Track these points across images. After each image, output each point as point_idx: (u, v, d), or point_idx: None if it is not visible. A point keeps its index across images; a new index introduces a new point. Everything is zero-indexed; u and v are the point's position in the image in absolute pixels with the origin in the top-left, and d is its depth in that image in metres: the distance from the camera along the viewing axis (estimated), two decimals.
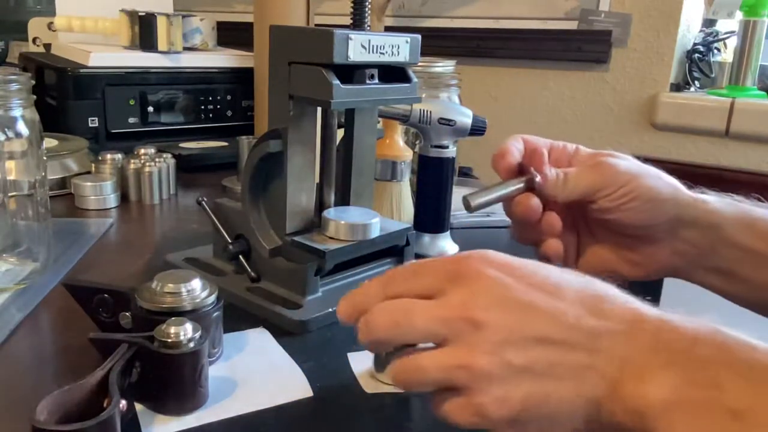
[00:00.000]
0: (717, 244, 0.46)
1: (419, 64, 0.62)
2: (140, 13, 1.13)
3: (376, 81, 0.54)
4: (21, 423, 0.34)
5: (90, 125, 1.04)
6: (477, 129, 0.70)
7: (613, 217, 0.45)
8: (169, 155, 0.94)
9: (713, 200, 0.46)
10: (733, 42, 1.39)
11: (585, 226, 0.50)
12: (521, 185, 0.46)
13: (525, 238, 0.48)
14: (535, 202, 0.45)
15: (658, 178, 0.45)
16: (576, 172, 0.45)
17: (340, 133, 0.61)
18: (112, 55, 1.08)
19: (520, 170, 0.47)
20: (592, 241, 0.49)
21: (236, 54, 1.24)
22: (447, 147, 0.69)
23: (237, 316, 0.53)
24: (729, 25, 1.45)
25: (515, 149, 0.47)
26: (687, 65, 1.43)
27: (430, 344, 0.33)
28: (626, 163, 0.45)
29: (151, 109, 1.10)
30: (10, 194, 0.58)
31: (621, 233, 0.46)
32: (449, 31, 1.59)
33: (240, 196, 0.58)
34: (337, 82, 0.50)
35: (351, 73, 0.53)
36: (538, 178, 0.45)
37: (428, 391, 0.33)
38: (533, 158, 0.46)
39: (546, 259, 0.47)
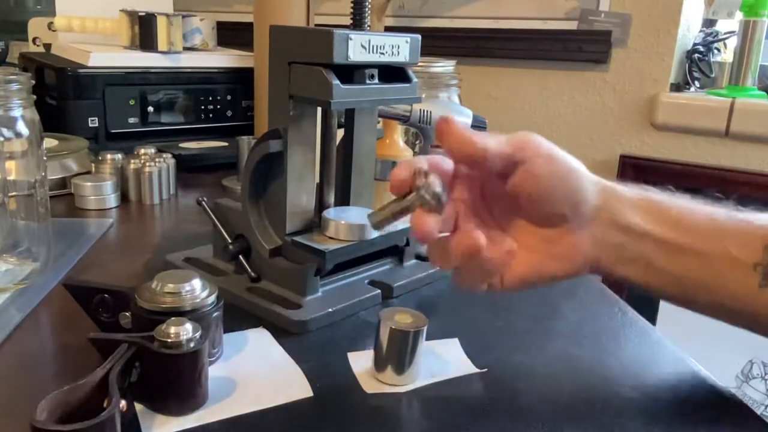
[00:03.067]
0: (630, 233, 0.45)
1: (419, 64, 0.62)
2: (140, 13, 1.13)
3: (376, 81, 0.54)
4: (21, 423, 0.34)
5: (90, 125, 1.04)
6: (477, 129, 0.70)
7: (535, 191, 0.43)
8: (169, 155, 0.94)
9: (620, 187, 0.46)
10: (733, 42, 1.39)
11: (503, 233, 0.46)
12: (414, 196, 0.41)
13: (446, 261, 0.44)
14: (429, 218, 0.41)
15: (571, 157, 0.44)
16: (497, 138, 0.43)
17: (340, 133, 0.61)
18: (112, 55, 1.09)
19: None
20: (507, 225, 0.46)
21: (236, 54, 1.24)
22: None
23: (237, 316, 0.54)
24: (729, 25, 1.45)
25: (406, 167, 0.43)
26: (687, 65, 1.43)
27: None
28: (539, 137, 0.44)
29: (151, 109, 1.10)
30: (10, 194, 0.58)
31: (541, 224, 0.44)
32: (449, 31, 1.59)
33: (240, 196, 0.59)
34: (337, 82, 0.50)
35: (351, 73, 0.53)
36: (422, 192, 0.40)
37: None
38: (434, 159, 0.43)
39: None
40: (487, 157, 0.42)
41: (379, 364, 0.46)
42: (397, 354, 0.45)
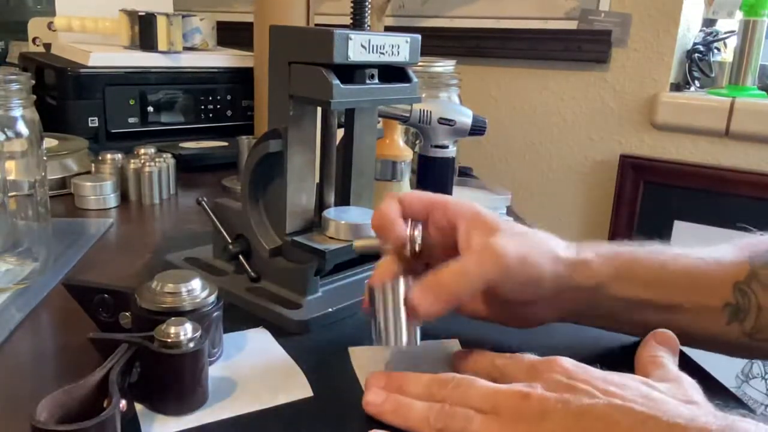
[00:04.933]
0: (600, 300, 0.47)
1: (419, 63, 0.62)
2: (140, 13, 1.13)
3: (376, 81, 0.54)
4: (21, 423, 0.34)
5: (90, 125, 1.04)
6: (477, 129, 0.70)
7: (501, 299, 0.46)
8: (169, 155, 0.94)
9: (594, 260, 0.47)
10: (733, 42, 1.39)
11: None
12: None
13: None
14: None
15: (545, 255, 0.46)
16: (472, 268, 0.43)
17: (340, 133, 0.61)
18: (112, 55, 1.09)
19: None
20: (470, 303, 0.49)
21: (236, 54, 1.24)
22: (447, 147, 0.69)
23: (237, 316, 0.53)
24: (729, 24, 1.45)
25: (395, 214, 0.47)
26: (687, 65, 1.43)
27: None
28: (513, 244, 0.44)
29: (151, 109, 1.10)
30: (10, 194, 0.58)
31: (501, 302, 0.48)
32: (449, 31, 1.59)
33: (240, 196, 0.58)
34: (337, 82, 0.50)
35: (351, 73, 0.53)
36: (417, 246, 0.46)
37: None
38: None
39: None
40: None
41: (378, 335, 0.45)
42: (383, 314, 0.44)
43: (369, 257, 0.61)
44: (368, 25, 0.57)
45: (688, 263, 0.48)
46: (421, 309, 0.42)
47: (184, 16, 1.18)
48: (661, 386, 0.39)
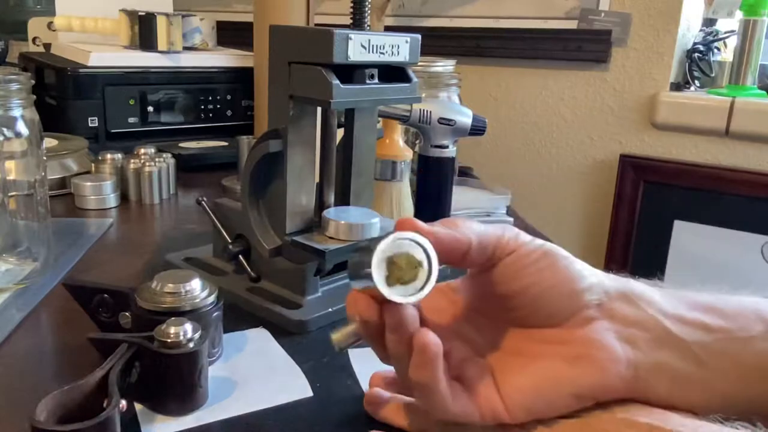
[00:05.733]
0: (657, 315, 0.36)
1: (419, 63, 0.62)
2: (140, 13, 1.13)
3: (376, 81, 0.54)
4: (21, 423, 0.34)
5: (90, 125, 1.04)
6: (477, 129, 0.70)
7: (524, 284, 0.35)
8: (169, 155, 0.94)
9: (625, 279, 0.38)
10: (733, 41, 1.39)
11: (502, 356, 0.38)
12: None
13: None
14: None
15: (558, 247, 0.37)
16: (476, 228, 0.36)
17: (340, 133, 0.61)
18: (112, 55, 1.09)
19: None
20: (512, 362, 0.37)
21: (236, 54, 1.24)
22: (447, 147, 0.69)
23: (237, 316, 0.54)
24: (729, 24, 1.45)
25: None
26: (687, 65, 1.43)
27: None
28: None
29: (151, 108, 1.10)
30: (10, 194, 0.58)
31: (540, 323, 0.36)
32: (449, 31, 1.59)
33: (240, 196, 0.58)
34: (337, 81, 0.50)
35: (351, 72, 0.53)
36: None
37: None
38: None
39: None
40: (470, 250, 0.35)
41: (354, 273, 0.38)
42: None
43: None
44: (368, 25, 0.57)
45: (742, 298, 0.38)
46: None
47: (184, 16, 1.18)
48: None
